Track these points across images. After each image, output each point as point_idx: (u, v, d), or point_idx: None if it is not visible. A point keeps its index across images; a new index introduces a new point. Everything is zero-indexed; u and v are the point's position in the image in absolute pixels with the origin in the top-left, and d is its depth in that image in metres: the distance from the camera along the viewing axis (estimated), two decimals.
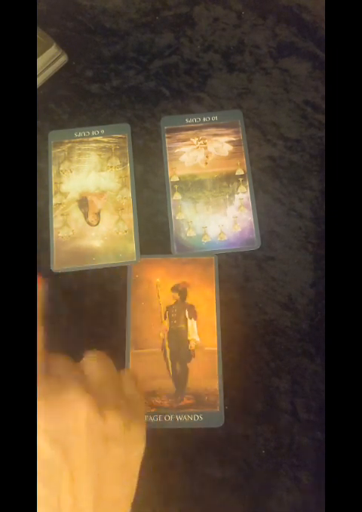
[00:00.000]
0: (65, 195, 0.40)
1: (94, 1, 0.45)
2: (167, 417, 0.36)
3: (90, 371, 0.28)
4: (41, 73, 0.42)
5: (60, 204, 0.40)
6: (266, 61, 0.43)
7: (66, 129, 0.42)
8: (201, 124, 0.42)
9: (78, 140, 0.42)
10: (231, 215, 0.40)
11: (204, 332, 0.37)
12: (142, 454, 0.28)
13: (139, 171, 0.41)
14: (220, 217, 0.40)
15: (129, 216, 0.40)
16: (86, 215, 0.40)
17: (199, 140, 0.42)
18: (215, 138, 0.42)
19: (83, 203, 0.40)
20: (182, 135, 0.42)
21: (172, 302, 0.38)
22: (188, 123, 0.42)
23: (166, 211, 0.40)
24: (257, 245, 0.39)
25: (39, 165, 0.41)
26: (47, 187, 0.40)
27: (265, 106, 0.42)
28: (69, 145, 0.41)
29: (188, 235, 0.39)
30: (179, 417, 0.36)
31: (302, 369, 0.37)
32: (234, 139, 0.42)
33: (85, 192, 0.40)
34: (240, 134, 0.42)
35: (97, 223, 0.40)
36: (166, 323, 0.38)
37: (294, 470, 0.35)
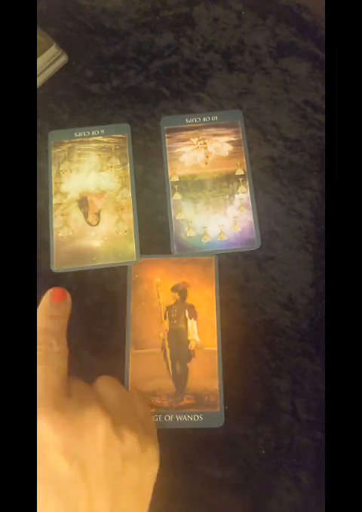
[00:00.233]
0: (65, 195, 0.40)
1: (94, 1, 0.45)
2: (167, 417, 0.36)
3: (104, 393, 0.29)
4: (41, 73, 0.42)
5: (60, 204, 0.40)
6: (266, 61, 0.43)
7: (66, 129, 0.42)
8: (201, 124, 0.42)
9: (78, 140, 0.42)
10: (231, 215, 0.40)
11: (203, 332, 0.37)
12: (156, 475, 0.28)
13: (139, 171, 0.41)
14: (220, 217, 0.40)
15: (129, 216, 0.40)
16: (86, 215, 0.40)
17: (199, 140, 0.42)
18: (215, 138, 0.42)
19: (83, 203, 0.40)
20: (182, 135, 0.42)
21: (172, 302, 0.38)
22: (188, 123, 0.42)
23: (166, 211, 0.40)
24: (257, 245, 0.39)
25: (39, 164, 0.41)
26: (47, 187, 0.40)
27: (265, 106, 0.42)
28: (69, 145, 0.41)
29: (188, 235, 0.39)
30: (179, 417, 0.36)
31: (302, 369, 0.37)
32: (234, 139, 0.42)
33: (85, 192, 0.40)
34: (240, 134, 0.42)
35: (97, 223, 0.40)
36: (166, 323, 0.38)
37: (294, 470, 0.36)
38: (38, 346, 0.28)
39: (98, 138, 0.42)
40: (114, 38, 0.44)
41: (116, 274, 0.39)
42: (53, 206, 0.40)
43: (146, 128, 0.42)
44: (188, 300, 0.38)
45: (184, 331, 0.38)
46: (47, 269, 0.38)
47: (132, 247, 0.39)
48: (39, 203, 0.40)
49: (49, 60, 0.41)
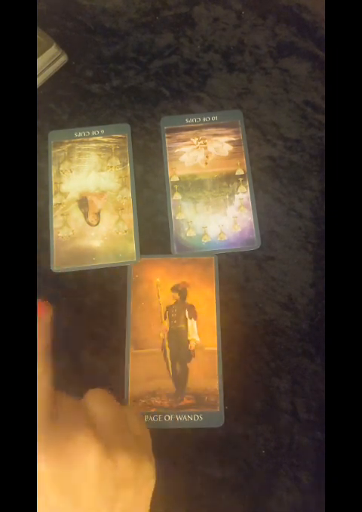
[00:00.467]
0: (65, 195, 0.40)
1: (94, 1, 0.45)
2: (167, 417, 0.36)
3: (94, 412, 0.27)
4: (41, 73, 0.42)
5: (60, 204, 0.40)
6: (266, 61, 0.43)
7: (66, 129, 0.42)
8: (201, 124, 0.42)
9: (78, 140, 0.42)
10: (231, 215, 0.40)
11: (204, 332, 0.37)
12: (153, 489, 0.27)
13: (139, 171, 0.41)
14: (220, 217, 0.40)
15: (129, 216, 0.40)
16: (86, 215, 0.40)
17: (199, 140, 0.42)
18: (215, 138, 0.42)
19: (83, 203, 0.40)
20: (182, 135, 0.42)
21: (172, 302, 0.38)
22: (188, 123, 0.42)
23: (166, 211, 0.40)
24: (257, 245, 0.39)
25: (39, 164, 0.41)
26: (47, 187, 0.40)
27: (265, 106, 0.42)
28: (69, 145, 0.41)
29: (188, 235, 0.39)
30: (179, 417, 0.36)
31: (302, 369, 0.37)
32: (234, 139, 0.42)
33: (85, 192, 0.40)
34: (240, 134, 0.42)
35: (97, 223, 0.40)
36: (166, 323, 0.38)
37: (294, 470, 0.35)
38: None
39: (98, 138, 0.42)
40: (114, 38, 0.44)
41: (116, 274, 0.39)
42: (53, 206, 0.40)
43: (146, 128, 0.42)
44: (188, 300, 0.38)
45: (184, 331, 0.38)
46: (47, 269, 0.38)
47: (132, 247, 0.39)
48: (39, 203, 0.40)
49: (49, 60, 0.41)
